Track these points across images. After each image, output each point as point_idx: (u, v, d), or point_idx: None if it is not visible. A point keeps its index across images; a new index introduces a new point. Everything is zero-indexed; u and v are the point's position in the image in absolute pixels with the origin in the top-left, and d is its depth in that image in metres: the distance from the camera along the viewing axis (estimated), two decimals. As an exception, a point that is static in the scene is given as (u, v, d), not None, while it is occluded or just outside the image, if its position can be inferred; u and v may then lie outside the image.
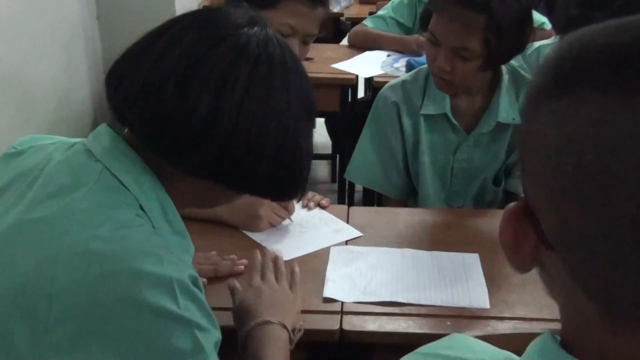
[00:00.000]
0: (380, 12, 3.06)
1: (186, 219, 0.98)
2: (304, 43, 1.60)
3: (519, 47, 1.61)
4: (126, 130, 0.94)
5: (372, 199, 2.09)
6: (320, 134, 3.80)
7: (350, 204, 2.72)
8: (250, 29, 0.91)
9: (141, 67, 0.88)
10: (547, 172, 0.50)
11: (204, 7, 0.95)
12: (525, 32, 1.59)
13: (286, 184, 0.98)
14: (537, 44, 2.04)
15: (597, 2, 1.58)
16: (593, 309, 0.49)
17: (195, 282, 0.87)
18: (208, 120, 0.86)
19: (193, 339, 0.81)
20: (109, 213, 0.85)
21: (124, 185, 0.88)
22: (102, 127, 0.95)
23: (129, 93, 0.89)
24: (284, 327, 1.12)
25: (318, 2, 1.56)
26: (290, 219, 1.55)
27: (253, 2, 1.55)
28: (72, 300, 0.79)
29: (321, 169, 4.02)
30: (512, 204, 0.55)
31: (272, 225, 1.52)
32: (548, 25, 2.78)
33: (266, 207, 1.51)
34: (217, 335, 0.87)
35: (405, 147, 1.80)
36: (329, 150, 3.67)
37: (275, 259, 1.29)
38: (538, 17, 2.89)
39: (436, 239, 1.51)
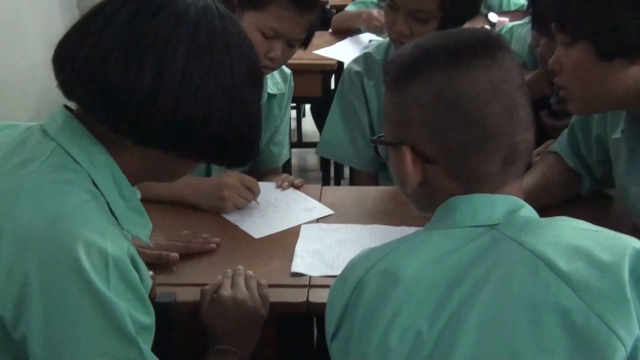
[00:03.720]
0: None
1: (154, 201, 1.00)
2: (289, 45, 1.62)
3: (473, 7, 1.68)
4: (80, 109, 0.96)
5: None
6: (310, 122, 3.84)
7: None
8: None
9: (84, 42, 0.90)
10: (429, 119, 0.91)
11: None
12: None
13: (237, 149, 1.00)
14: (510, 24, 2.08)
15: None
16: (454, 184, 0.92)
17: (133, 260, 0.90)
18: (152, 88, 0.89)
19: (118, 323, 0.85)
20: (57, 188, 0.88)
21: (76, 161, 0.91)
22: (59, 108, 0.97)
23: (74, 68, 0.91)
24: (240, 356, 1.17)
25: (305, 8, 1.57)
26: (256, 201, 1.56)
27: (241, 1, 1.58)
28: (14, 268, 0.83)
29: (310, 157, 4.04)
30: (394, 161, 0.97)
31: (237, 208, 1.54)
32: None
33: (231, 190, 1.53)
34: (146, 320, 0.90)
35: (370, 117, 1.84)
36: (317, 139, 3.69)
37: (246, 273, 1.27)
38: (517, 0, 2.92)
39: (406, 216, 1.53)
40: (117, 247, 0.87)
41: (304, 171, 3.94)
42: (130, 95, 0.89)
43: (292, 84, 1.93)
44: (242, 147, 1.00)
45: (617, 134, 1.28)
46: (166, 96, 0.89)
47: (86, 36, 0.91)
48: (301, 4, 1.57)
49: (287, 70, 1.91)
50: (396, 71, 0.95)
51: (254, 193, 1.56)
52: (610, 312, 0.78)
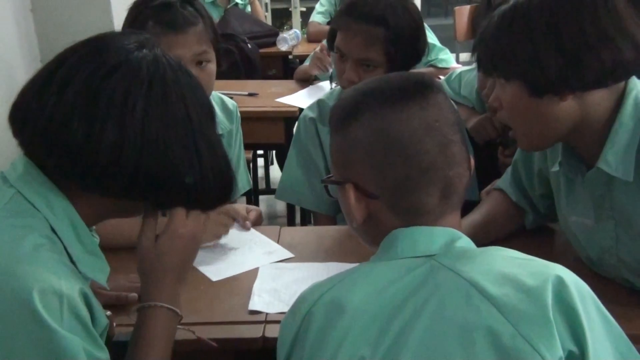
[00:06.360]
0: (320, 9, 3.71)
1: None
2: (199, 64, 1.64)
3: (415, 55, 1.78)
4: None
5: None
6: (278, 169, 3.90)
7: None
8: (139, 52, 0.98)
9: (44, 102, 0.94)
10: (369, 157, 0.97)
11: (96, 35, 1.03)
12: (419, 42, 1.76)
13: (216, 186, 1.04)
14: (459, 70, 2.18)
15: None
16: (395, 218, 0.99)
17: (86, 298, 0.92)
18: (115, 146, 0.93)
19: (72, 356, 0.87)
20: (14, 233, 0.91)
21: (35, 207, 0.95)
22: (19, 157, 1.01)
23: (35, 130, 0.95)
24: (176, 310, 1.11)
25: (184, 25, 1.60)
26: (238, 227, 1.62)
27: None
28: None
29: (279, 204, 4.08)
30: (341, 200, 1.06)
31: (218, 237, 1.58)
32: (450, 62, 3.02)
33: (211, 220, 1.53)
34: (102, 356, 0.92)
35: (326, 161, 1.92)
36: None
37: None
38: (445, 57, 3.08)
39: (363, 253, 1.56)
40: (70, 286, 0.89)
41: (273, 217, 3.98)
42: (95, 153, 0.93)
43: (239, 116, 1.96)
44: (221, 183, 1.04)
45: (556, 167, 1.35)
46: (129, 152, 0.94)
47: (45, 98, 0.94)
48: (175, 26, 1.59)
49: (231, 106, 1.94)
50: (337, 115, 1.03)
51: (231, 218, 1.60)
52: (534, 334, 0.84)
